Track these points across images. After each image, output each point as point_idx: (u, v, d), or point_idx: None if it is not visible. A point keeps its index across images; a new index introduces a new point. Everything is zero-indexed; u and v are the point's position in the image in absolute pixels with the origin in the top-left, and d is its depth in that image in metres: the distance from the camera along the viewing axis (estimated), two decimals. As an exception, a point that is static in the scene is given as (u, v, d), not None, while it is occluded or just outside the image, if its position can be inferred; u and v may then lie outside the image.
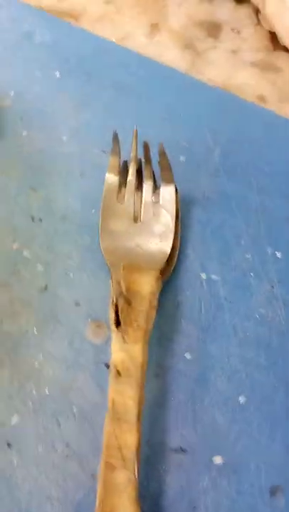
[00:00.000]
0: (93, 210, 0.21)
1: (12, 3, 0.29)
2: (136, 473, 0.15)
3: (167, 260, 0.19)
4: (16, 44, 0.27)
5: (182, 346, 0.19)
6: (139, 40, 0.28)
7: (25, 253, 0.21)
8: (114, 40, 0.27)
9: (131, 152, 0.21)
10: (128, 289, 0.17)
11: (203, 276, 0.20)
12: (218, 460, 0.17)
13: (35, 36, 0.27)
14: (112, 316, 0.17)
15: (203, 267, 0.20)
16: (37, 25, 0.28)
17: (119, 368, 0.16)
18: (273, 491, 0.17)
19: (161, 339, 0.19)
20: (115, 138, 0.20)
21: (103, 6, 0.30)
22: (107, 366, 0.18)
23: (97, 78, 0.25)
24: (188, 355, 0.19)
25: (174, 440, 0.17)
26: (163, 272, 0.19)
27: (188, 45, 0.28)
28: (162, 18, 0.29)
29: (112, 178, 0.20)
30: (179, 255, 0.20)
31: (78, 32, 0.28)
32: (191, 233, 0.21)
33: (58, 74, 0.26)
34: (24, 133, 0.24)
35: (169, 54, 0.28)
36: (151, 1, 0.30)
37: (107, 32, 0.28)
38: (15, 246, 0.21)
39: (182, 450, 0.17)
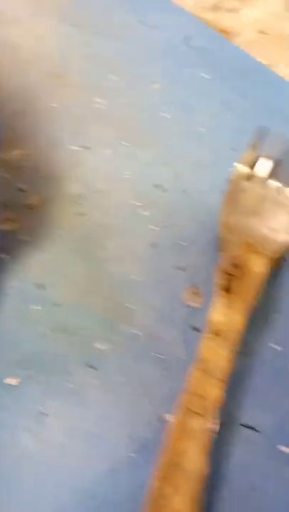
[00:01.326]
0: (213, 195, 0.23)
1: (178, 11, 0.32)
2: (214, 425, 0.15)
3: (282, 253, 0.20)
4: (172, 44, 0.30)
5: (272, 336, 0.19)
6: (284, 70, 0.30)
7: (145, 213, 0.22)
8: (262, 62, 0.30)
9: (264, 152, 0.22)
10: (242, 265, 0.18)
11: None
12: (285, 449, 0.17)
13: (193, 40, 0.30)
14: (222, 282, 0.18)
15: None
16: (196, 32, 0.30)
17: (219, 329, 0.17)
18: None
19: (253, 322, 0.19)
20: (259, 133, 0.22)
21: (255, 33, 0.32)
22: (196, 329, 0.19)
23: (241, 89, 0.28)
24: (275, 346, 0.19)
25: (248, 417, 0.17)
26: (274, 262, 0.19)
27: None
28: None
29: (243, 168, 0.22)
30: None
31: (231, 46, 0.30)
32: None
33: (207, 76, 0.28)
34: (167, 115, 0.26)
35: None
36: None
37: (255, 56, 0.31)
38: (137, 204, 0.22)
39: (254, 429, 0.17)
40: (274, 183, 0.21)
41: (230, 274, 0.18)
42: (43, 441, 0.16)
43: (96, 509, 0.15)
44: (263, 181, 0.21)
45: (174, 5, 0.32)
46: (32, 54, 0.28)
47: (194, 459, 0.15)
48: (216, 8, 0.34)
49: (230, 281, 0.18)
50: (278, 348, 0.19)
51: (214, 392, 0.16)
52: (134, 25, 0.31)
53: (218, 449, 0.16)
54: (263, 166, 0.22)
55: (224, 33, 0.32)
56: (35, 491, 0.15)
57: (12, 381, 0.17)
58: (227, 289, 0.18)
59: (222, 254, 0.19)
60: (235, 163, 0.22)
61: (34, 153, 0.24)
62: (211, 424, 0.15)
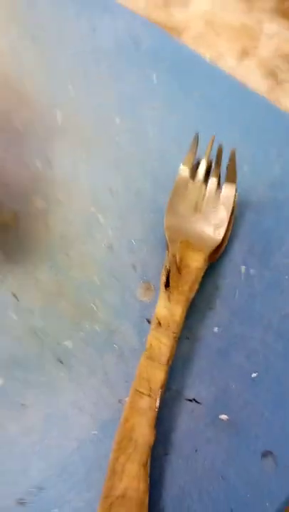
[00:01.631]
0: (161, 194, 0.25)
1: (125, 13, 0.33)
2: (157, 403, 0.18)
3: (217, 247, 0.22)
4: (122, 48, 0.31)
5: (213, 321, 0.22)
6: (229, 62, 0.32)
7: (101, 218, 0.25)
8: (208, 57, 0.31)
9: (204, 152, 0.24)
10: (180, 261, 0.21)
11: (243, 269, 0.24)
12: (224, 418, 0.20)
13: (142, 42, 0.32)
14: (163, 279, 0.21)
15: (244, 261, 0.24)
16: (145, 33, 0.32)
17: (161, 321, 0.20)
18: (265, 455, 0.20)
19: (196, 311, 0.22)
20: (196, 138, 0.24)
21: (203, 26, 0.34)
22: (148, 321, 0.22)
23: (187, 87, 0.29)
24: (216, 329, 0.22)
25: (191, 392, 0.20)
26: (211, 256, 0.22)
27: (271, 74, 0.32)
28: (253, 45, 0.33)
29: (184, 170, 0.24)
30: (226, 246, 0.24)
31: (178, 44, 0.32)
32: (240, 230, 0.24)
33: (154, 78, 0.30)
34: (117, 120, 0.28)
35: (252, 78, 0.31)
36: (247, 29, 0.34)
37: (202, 50, 0.32)
38: (94, 210, 0.25)
39: (196, 401, 0.20)
40: (212, 183, 0.24)
41: (169, 271, 0.21)
42: (25, 428, 0.20)
43: (70, 479, 0.19)
44: (202, 182, 0.24)
45: (122, 7, 0.34)
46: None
47: (142, 432, 0.18)
48: (166, 4, 0.35)
49: (170, 277, 0.21)
50: (217, 330, 0.22)
51: (158, 375, 0.19)
52: (86, 32, 0.33)
53: (167, 422, 0.20)
54: (202, 167, 0.24)
55: (173, 30, 0.33)
56: (21, 468, 0.19)
57: (-4, 381, 0.21)
58: (166, 285, 0.20)
59: (167, 253, 0.22)
60: (180, 165, 0.25)
61: (1, 172, 0.27)
62: (156, 402, 0.18)
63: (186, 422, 0.20)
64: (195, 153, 0.24)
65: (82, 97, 0.29)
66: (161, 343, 0.19)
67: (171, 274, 0.21)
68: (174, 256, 0.21)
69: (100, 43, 0.32)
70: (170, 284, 0.20)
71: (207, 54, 0.32)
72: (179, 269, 0.21)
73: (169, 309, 0.20)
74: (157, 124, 0.28)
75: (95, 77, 0.30)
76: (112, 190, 0.26)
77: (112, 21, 0.33)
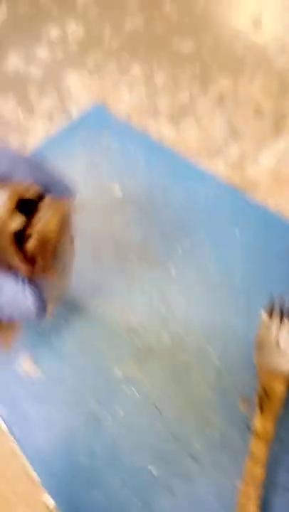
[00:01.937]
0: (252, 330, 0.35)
1: (209, 178, 0.46)
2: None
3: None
4: (210, 207, 0.43)
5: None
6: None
7: (209, 348, 0.36)
8: (278, 209, 0.42)
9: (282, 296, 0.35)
10: (268, 388, 0.31)
11: None
12: None
13: (224, 202, 0.43)
14: (257, 403, 0.31)
15: None
16: (225, 194, 0.44)
17: (259, 433, 0.30)
18: None
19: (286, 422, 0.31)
20: (272, 298, 0.35)
21: (272, 180, 0.45)
22: (249, 428, 0.32)
23: (264, 240, 0.40)
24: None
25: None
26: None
27: None
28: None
29: (265, 314, 0.34)
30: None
31: (254, 202, 0.43)
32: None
33: (237, 233, 0.41)
34: (210, 266, 0.40)
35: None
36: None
37: (271, 201, 0.43)
38: (208, 346, 0.36)
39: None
40: (287, 324, 0.34)
41: (261, 397, 0.31)
42: (173, 506, 0.31)
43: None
44: (281, 325, 0.34)
45: (208, 174, 0.46)
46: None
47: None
48: (241, 164, 0.47)
49: (262, 401, 0.31)
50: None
51: (258, 472, 0.29)
52: (183, 200, 0.45)
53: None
54: (281, 315, 0.34)
55: (247, 187, 0.45)
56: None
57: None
58: (260, 407, 0.30)
59: (258, 381, 0.32)
60: (262, 311, 0.35)
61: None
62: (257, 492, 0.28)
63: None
64: (273, 303, 0.34)
65: (188, 254, 0.42)
66: (259, 451, 0.29)
67: (262, 399, 0.31)
68: (262, 387, 0.31)
69: (193, 205, 0.44)
70: (262, 407, 0.30)
71: (277, 206, 0.43)
72: (267, 395, 0.31)
73: (263, 425, 0.30)
74: (244, 270, 0.39)
75: (194, 236, 0.42)
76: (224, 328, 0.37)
77: (203, 187, 0.45)
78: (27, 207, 0.17)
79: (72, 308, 0.41)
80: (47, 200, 0.18)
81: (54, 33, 0.77)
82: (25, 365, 0.39)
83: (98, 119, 0.56)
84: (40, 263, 0.17)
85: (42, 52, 0.74)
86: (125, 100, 0.62)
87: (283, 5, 0.68)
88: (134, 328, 0.39)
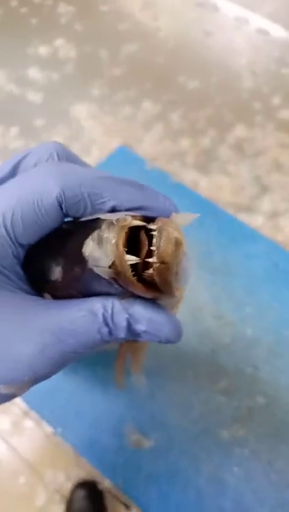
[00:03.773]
0: None
1: (267, 242, 0.51)
2: None
3: None
4: (266, 269, 0.49)
5: None
6: None
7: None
8: None
9: None
10: None
11: None
12: None
13: (279, 265, 0.50)
14: None
15: None
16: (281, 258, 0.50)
17: None
18: None
19: None
20: None
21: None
22: None
23: None
24: None
25: None
26: None
27: None
28: None
29: None
30: None
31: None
32: None
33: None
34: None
35: None
36: None
37: None
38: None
39: None
40: None
41: None
42: None
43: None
44: None
45: (264, 237, 0.52)
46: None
47: None
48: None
49: None
50: None
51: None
52: (239, 259, 0.51)
53: None
54: None
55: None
56: None
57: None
58: None
59: None
60: None
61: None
62: None
63: None
64: None
65: (257, 313, 0.47)
66: None
67: None
68: None
69: (251, 268, 0.50)
70: None
71: None
72: None
73: None
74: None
75: (257, 295, 0.48)
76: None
77: (257, 249, 0.51)
78: (137, 233, 0.17)
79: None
80: (158, 223, 0.16)
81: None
82: (133, 437, 0.42)
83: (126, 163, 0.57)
84: (164, 286, 0.16)
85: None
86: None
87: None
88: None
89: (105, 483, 0.42)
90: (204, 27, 0.75)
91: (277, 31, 0.74)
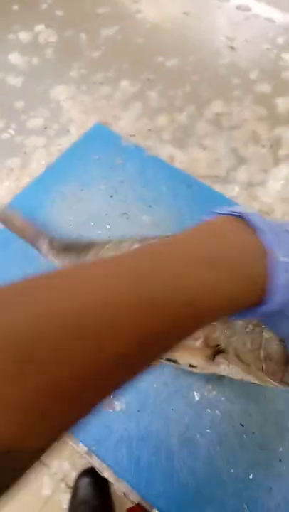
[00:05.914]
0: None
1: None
2: None
3: None
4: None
5: None
6: None
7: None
8: None
9: None
10: None
11: None
12: None
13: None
14: None
15: None
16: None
17: None
18: None
19: None
20: None
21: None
22: None
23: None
24: None
25: None
26: None
27: None
28: None
29: None
30: None
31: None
32: None
33: None
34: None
35: None
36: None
37: None
38: None
39: None
40: None
41: None
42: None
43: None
44: None
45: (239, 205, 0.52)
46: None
47: None
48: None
49: None
50: None
51: None
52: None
53: None
54: None
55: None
56: None
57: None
58: None
59: None
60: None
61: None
62: None
63: None
64: None
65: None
66: None
67: None
68: None
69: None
70: None
71: None
72: None
73: None
74: None
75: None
76: None
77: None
78: None
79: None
80: None
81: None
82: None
83: (102, 139, 0.58)
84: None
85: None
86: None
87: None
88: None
89: (80, 448, 0.42)
90: (184, 7, 0.75)
91: (257, 7, 0.73)
